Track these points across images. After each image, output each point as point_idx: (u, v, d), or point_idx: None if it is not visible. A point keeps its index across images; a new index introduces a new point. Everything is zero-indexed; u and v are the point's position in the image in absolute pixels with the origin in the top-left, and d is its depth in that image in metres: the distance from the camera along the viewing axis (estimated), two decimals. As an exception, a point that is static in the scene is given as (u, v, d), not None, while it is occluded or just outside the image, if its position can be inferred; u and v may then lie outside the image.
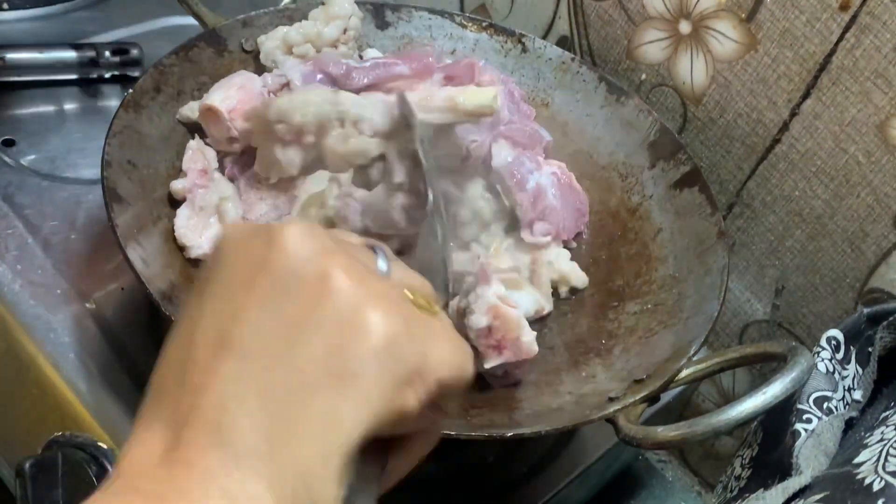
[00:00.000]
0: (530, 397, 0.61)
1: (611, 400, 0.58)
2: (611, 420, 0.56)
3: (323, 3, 0.76)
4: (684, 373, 0.60)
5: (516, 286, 0.67)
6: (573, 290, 0.73)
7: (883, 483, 0.47)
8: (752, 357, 0.60)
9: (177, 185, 0.65)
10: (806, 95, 0.73)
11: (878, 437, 0.52)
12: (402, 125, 0.59)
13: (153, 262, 0.59)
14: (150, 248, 0.60)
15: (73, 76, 0.87)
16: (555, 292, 0.71)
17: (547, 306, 0.69)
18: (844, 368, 0.60)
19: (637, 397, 0.58)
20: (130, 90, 0.66)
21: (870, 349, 0.61)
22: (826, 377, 0.58)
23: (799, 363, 0.53)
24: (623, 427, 0.55)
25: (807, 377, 0.53)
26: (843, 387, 0.59)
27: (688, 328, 0.63)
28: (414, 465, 0.43)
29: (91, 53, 0.86)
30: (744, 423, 0.52)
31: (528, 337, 0.60)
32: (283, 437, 0.33)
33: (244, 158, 0.69)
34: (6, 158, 0.78)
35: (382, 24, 0.82)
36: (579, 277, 0.72)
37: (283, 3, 0.80)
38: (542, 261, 0.70)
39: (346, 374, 0.34)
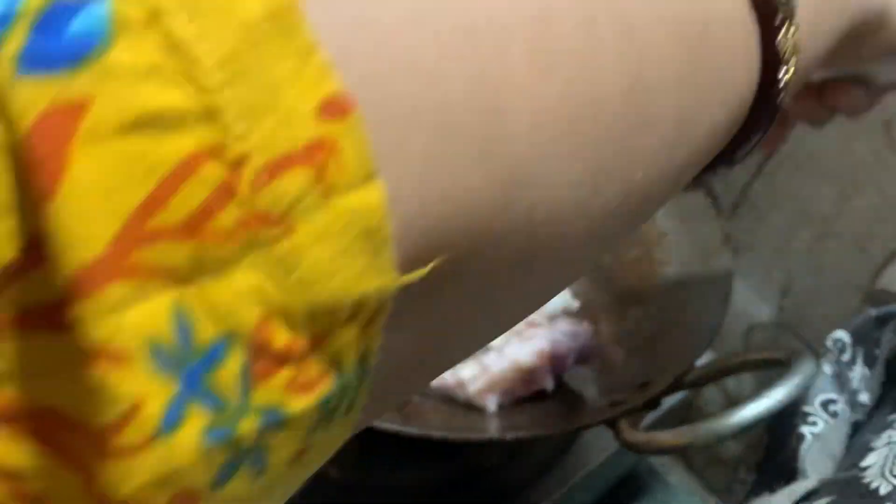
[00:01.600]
0: (529, 401, 0.61)
1: (612, 404, 0.58)
2: (612, 425, 0.56)
3: None
4: (687, 378, 0.59)
5: None
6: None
7: (890, 487, 0.47)
8: (755, 362, 0.60)
9: None
10: (812, 94, 0.72)
11: (886, 441, 0.52)
12: None
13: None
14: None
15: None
16: None
17: (573, 303, 0.69)
18: (851, 370, 0.59)
19: (638, 402, 0.57)
20: None
21: (877, 351, 0.60)
22: (832, 380, 0.58)
23: (803, 369, 0.52)
24: (624, 432, 0.55)
25: (811, 382, 0.53)
26: (849, 389, 0.58)
27: (691, 333, 0.63)
28: None
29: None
30: (747, 428, 0.52)
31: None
32: None
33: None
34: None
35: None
36: None
37: None
38: None
39: None
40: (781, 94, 0.28)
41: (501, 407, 0.60)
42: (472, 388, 0.58)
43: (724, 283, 0.65)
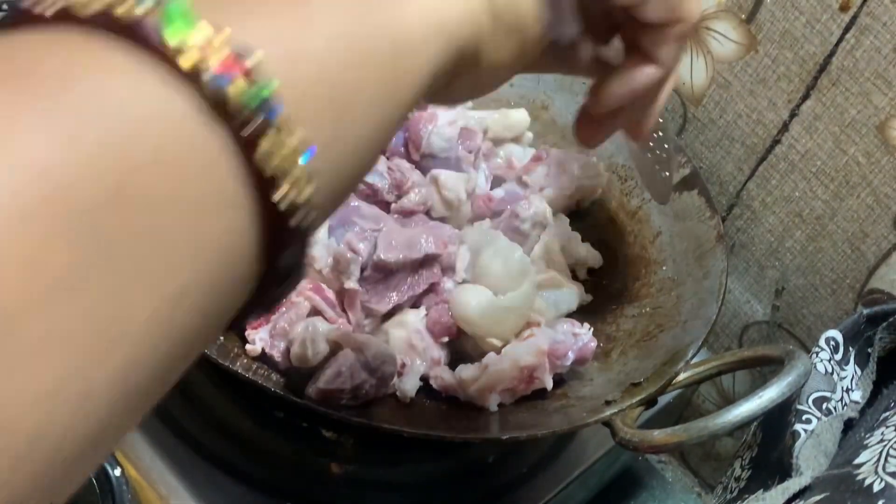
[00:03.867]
0: (527, 400, 0.61)
1: (607, 403, 0.58)
2: (607, 423, 0.57)
3: None
4: (682, 376, 0.60)
5: (557, 285, 0.68)
6: (590, 271, 0.74)
7: (883, 484, 0.47)
8: (749, 361, 0.60)
9: None
10: (806, 96, 0.73)
11: (879, 438, 0.52)
12: None
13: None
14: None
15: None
16: (573, 276, 0.72)
17: (587, 297, 0.70)
18: (843, 369, 0.60)
19: (633, 401, 0.58)
20: None
21: (869, 350, 0.61)
22: (825, 378, 0.58)
23: (796, 367, 0.53)
24: (619, 430, 0.55)
25: (804, 381, 0.53)
26: (842, 388, 0.59)
27: (686, 332, 0.64)
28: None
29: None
30: (740, 426, 0.52)
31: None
32: None
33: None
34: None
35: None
36: (594, 257, 0.73)
37: None
38: (555, 248, 0.70)
39: None
40: (297, 216, 0.24)
41: (501, 405, 0.60)
42: (474, 388, 0.59)
43: (718, 281, 0.66)
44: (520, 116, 0.79)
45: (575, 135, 0.46)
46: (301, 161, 0.24)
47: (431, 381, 0.60)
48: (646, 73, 0.41)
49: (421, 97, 0.31)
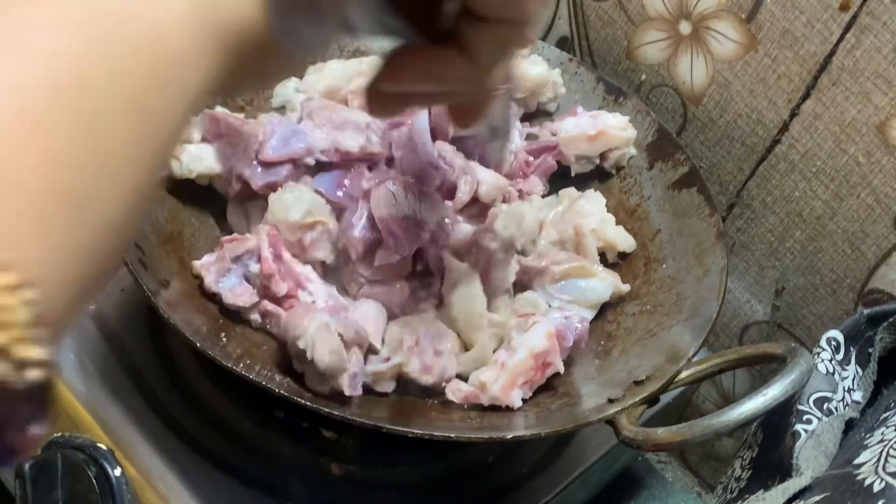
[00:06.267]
0: (528, 399, 0.61)
1: (610, 401, 0.58)
2: (610, 422, 0.56)
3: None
4: (684, 374, 0.60)
5: (585, 274, 0.68)
6: (622, 255, 0.73)
7: (883, 484, 0.47)
8: (751, 358, 0.60)
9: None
10: (806, 96, 0.73)
11: (879, 438, 0.52)
12: None
13: (151, 265, 0.59)
14: (148, 251, 0.60)
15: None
16: (603, 259, 0.72)
17: (624, 287, 0.69)
18: (844, 369, 0.60)
19: (636, 399, 0.57)
20: None
21: (870, 350, 0.61)
22: (826, 378, 0.58)
23: (798, 365, 0.53)
24: (623, 429, 0.55)
25: (806, 379, 0.53)
26: (843, 388, 0.59)
27: (687, 329, 0.63)
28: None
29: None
30: (743, 424, 0.52)
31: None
32: None
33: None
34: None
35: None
36: (626, 241, 0.72)
37: None
38: (585, 231, 0.70)
39: None
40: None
41: (524, 401, 0.60)
42: (496, 388, 0.59)
43: (718, 278, 0.66)
44: (540, 68, 0.78)
45: (364, 100, 0.40)
46: (21, 317, 0.18)
47: (449, 395, 0.60)
48: (451, 65, 0.36)
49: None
